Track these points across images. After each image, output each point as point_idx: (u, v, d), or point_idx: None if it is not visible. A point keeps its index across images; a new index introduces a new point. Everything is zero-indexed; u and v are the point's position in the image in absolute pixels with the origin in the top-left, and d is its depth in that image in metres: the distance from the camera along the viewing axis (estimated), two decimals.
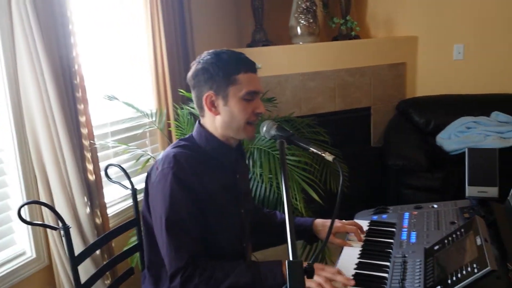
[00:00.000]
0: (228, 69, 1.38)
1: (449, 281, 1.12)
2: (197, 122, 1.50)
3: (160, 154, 1.46)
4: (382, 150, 3.48)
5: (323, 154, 1.35)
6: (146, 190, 1.46)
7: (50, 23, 1.83)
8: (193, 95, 1.46)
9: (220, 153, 1.47)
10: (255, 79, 1.43)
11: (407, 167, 3.07)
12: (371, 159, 3.61)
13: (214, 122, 1.44)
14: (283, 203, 1.07)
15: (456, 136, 3.25)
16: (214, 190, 1.42)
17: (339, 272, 1.28)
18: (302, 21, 3.55)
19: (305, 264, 0.94)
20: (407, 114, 3.64)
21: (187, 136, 1.53)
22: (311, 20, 3.55)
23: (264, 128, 1.43)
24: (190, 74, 1.44)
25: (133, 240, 2.01)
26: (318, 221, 1.66)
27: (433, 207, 1.72)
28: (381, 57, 3.67)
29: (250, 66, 1.42)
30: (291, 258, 0.88)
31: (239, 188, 1.53)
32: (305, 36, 3.57)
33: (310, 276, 0.90)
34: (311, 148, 1.37)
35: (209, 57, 1.41)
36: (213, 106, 1.41)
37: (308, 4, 3.54)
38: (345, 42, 3.63)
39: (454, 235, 1.33)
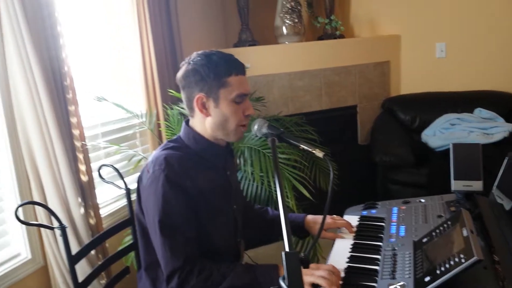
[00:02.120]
0: (218, 71, 1.40)
1: (438, 271, 1.17)
2: (183, 123, 1.52)
3: (150, 157, 1.48)
4: (369, 147, 3.54)
5: (313, 151, 1.39)
6: (138, 193, 1.48)
7: (39, 25, 1.84)
8: (183, 95, 1.47)
9: (209, 153, 1.49)
10: (244, 81, 1.45)
11: (394, 164, 3.13)
12: (358, 157, 3.67)
13: (204, 123, 1.46)
14: (277, 198, 1.10)
15: (440, 133, 3.32)
16: (207, 189, 1.44)
17: (334, 269, 1.30)
18: (287, 21, 3.59)
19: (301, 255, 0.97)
20: (392, 112, 3.71)
21: (174, 137, 1.54)
22: (296, 20, 3.59)
23: (256, 127, 1.46)
24: (180, 74, 1.45)
25: (128, 240, 2.03)
26: (310, 217, 1.70)
27: (420, 201, 1.77)
28: (366, 56, 3.73)
29: (240, 69, 1.44)
30: (287, 249, 0.91)
31: (230, 185, 1.56)
32: (291, 35, 3.61)
33: (306, 266, 0.94)
34: (301, 145, 1.41)
35: (199, 58, 1.42)
36: (204, 107, 1.43)
37: (292, 4, 3.58)
38: (330, 41, 3.68)
39: (441, 228, 1.38)
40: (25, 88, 1.81)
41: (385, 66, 3.84)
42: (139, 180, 1.48)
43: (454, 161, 1.68)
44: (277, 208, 2.29)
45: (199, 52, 1.45)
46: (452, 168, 1.67)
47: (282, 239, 0.98)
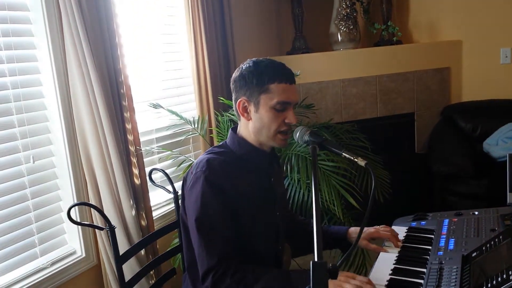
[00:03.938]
0: (262, 77, 1.42)
1: None
2: (230, 129, 1.56)
3: (195, 160, 1.53)
4: (426, 156, 3.41)
5: (356, 159, 1.36)
6: (183, 194, 1.53)
7: (98, 37, 1.94)
8: (233, 99, 1.53)
9: (253, 157, 1.51)
10: (289, 90, 1.45)
11: (452, 174, 3.01)
12: (415, 166, 3.55)
13: (248, 127, 1.49)
14: (312, 206, 1.09)
15: (504, 142, 3.14)
16: (248, 193, 1.46)
17: (369, 282, 1.27)
18: (342, 28, 3.55)
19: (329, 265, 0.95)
20: (452, 120, 3.56)
21: (221, 143, 1.59)
22: (352, 27, 3.55)
23: (297, 134, 1.46)
24: (231, 79, 1.51)
25: (176, 242, 2.09)
26: (352, 229, 1.68)
27: (473, 214, 1.69)
28: (425, 62, 3.61)
29: (285, 77, 1.44)
30: (315, 259, 0.90)
31: (274, 191, 1.57)
32: (346, 42, 3.57)
33: (334, 277, 0.92)
34: (343, 154, 1.38)
35: (248, 64, 1.46)
36: (245, 111, 1.46)
37: (348, 10, 3.54)
38: (386, 47, 3.60)
39: (492, 242, 1.31)
40: (84, 96, 1.92)
41: (445, 73, 3.69)
42: (184, 182, 1.53)
43: (511, 172, 1.59)
44: (331, 219, 2.26)
45: (253, 59, 1.49)
46: (508, 179, 1.59)
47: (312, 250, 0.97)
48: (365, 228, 1.61)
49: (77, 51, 1.88)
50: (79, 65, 1.89)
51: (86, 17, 1.87)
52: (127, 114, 2.11)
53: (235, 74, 1.49)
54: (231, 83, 1.51)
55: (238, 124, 1.55)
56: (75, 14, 1.83)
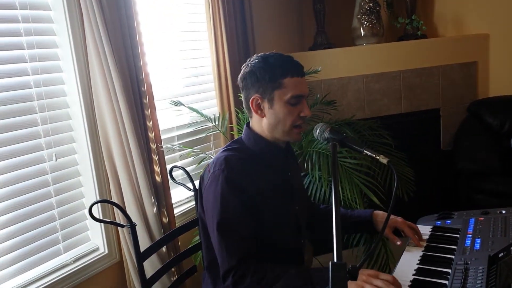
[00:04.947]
0: (274, 73, 1.41)
1: None
2: (245, 125, 1.55)
3: (213, 158, 1.52)
4: (452, 153, 3.33)
5: (377, 157, 1.34)
6: (200, 192, 1.52)
7: (118, 35, 1.95)
8: (242, 97, 1.51)
9: (269, 153, 1.50)
10: (301, 83, 1.44)
11: (478, 171, 2.93)
12: (441, 163, 3.47)
13: (261, 124, 1.48)
14: (333, 204, 1.07)
15: None
16: (267, 189, 1.45)
17: (394, 282, 1.23)
18: (365, 22, 3.49)
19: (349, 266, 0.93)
20: (479, 116, 3.45)
21: (236, 139, 1.58)
22: (375, 21, 3.49)
23: (318, 131, 1.44)
24: (239, 76, 1.49)
25: (197, 239, 2.09)
26: (378, 212, 1.65)
27: (501, 212, 1.64)
28: (450, 56, 3.51)
29: (296, 70, 1.43)
30: (335, 260, 0.88)
31: (292, 185, 1.56)
32: (369, 37, 3.51)
33: (354, 278, 0.90)
34: (364, 151, 1.36)
35: (257, 60, 1.45)
36: (259, 108, 1.45)
37: (371, 4, 3.48)
38: (410, 42, 3.52)
39: None
40: (105, 95, 1.94)
41: (471, 67, 3.59)
42: (201, 180, 1.52)
43: None
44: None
45: (258, 54, 1.48)
46: None
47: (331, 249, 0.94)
48: (392, 216, 1.57)
49: (98, 50, 1.89)
50: (101, 63, 1.91)
51: (107, 16, 1.88)
52: (148, 112, 2.12)
53: (244, 71, 1.47)
54: (239, 81, 1.49)
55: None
56: (96, 13, 1.85)
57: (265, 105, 1.44)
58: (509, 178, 2.87)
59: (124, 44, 1.99)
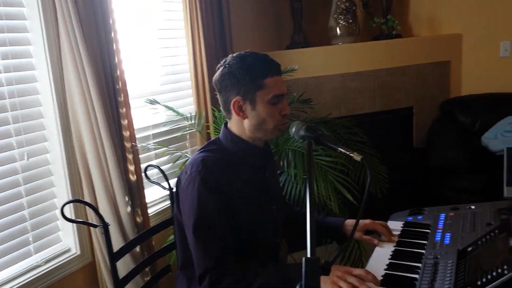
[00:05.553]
0: (254, 73, 1.40)
1: (479, 283, 1.10)
2: (223, 125, 1.53)
3: (189, 159, 1.51)
4: (424, 151, 3.40)
5: (351, 154, 1.35)
6: (177, 193, 1.51)
7: (93, 32, 1.92)
8: (220, 98, 1.49)
9: (246, 153, 1.49)
10: (280, 81, 1.44)
11: (448, 168, 2.99)
12: (413, 161, 3.53)
13: (242, 125, 1.47)
14: (307, 201, 1.08)
15: (502, 136, 3.12)
16: (244, 190, 1.45)
17: (367, 276, 1.25)
18: (341, 22, 3.53)
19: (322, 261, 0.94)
20: (451, 114, 3.53)
21: (213, 139, 1.57)
22: (351, 20, 3.53)
23: (293, 129, 1.45)
24: (216, 78, 1.46)
25: (171, 238, 2.08)
26: (349, 221, 1.67)
27: (470, 208, 1.68)
28: (424, 56, 3.58)
29: (275, 69, 1.43)
30: (308, 255, 0.89)
31: (269, 186, 1.56)
32: (345, 36, 3.54)
33: (326, 273, 0.91)
34: (339, 148, 1.38)
35: (234, 61, 1.42)
36: (241, 111, 1.44)
37: (347, 4, 3.51)
38: (385, 41, 3.57)
39: (488, 237, 1.31)
40: (79, 92, 1.90)
41: (445, 67, 3.66)
42: (178, 181, 1.51)
43: (508, 166, 1.58)
44: (328, 214, 2.26)
45: (234, 54, 1.46)
46: (505, 173, 1.57)
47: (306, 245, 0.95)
48: (361, 220, 1.60)
49: (72, 47, 1.86)
50: (74, 61, 1.87)
51: (81, 12, 1.85)
52: (122, 110, 2.10)
53: (222, 72, 1.44)
54: (217, 82, 1.46)
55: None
56: (70, 10, 1.82)
57: (247, 107, 1.43)
58: (479, 175, 2.94)
59: (99, 41, 1.96)
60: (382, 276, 1.31)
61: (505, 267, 1.07)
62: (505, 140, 3.06)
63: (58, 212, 1.96)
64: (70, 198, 1.95)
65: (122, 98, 2.10)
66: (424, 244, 1.47)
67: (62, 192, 1.98)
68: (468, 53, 3.69)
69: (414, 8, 3.86)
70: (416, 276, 1.27)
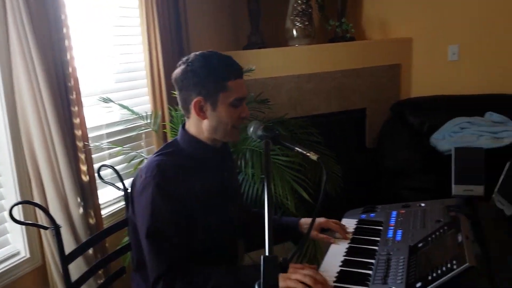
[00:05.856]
0: (218, 75, 1.38)
1: (430, 278, 1.14)
2: (181, 126, 1.51)
3: (144, 162, 1.48)
4: (376, 151, 3.49)
5: (308, 154, 1.37)
6: (132, 196, 1.48)
7: (44, 27, 1.85)
8: (179, 97, 1.47)
9: (204, 155, 1.48)
10: (242, 84, 1.44)
11: (400, 168, 3.09)
12: (366, 160, 3.63)
13: (200, 126, 1.45)
14: (265, 200, 1.08)
15: (450, 136, 3.26)
16: (201, 193, 1.44)
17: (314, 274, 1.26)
18: (297, 24, 3.57)
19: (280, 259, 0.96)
20: (402, 115, 3.65)
21: (171, 140, 1.55)
22: (307, 23, 3.58)
23: (251, 129, 1.45)
24: (177, 75, 1.43)
25: (126, 240, 2.03)
26: (304, 220, 1.68)
27: (420, 205, 1.74)
28: (377, 58, 3.69)
29: (238, 72, 1.43)
30: (267, 254, 0.90)
31: (227, 187, 1.56)
32: (301, 38, 3.59)
33: (284, 270, 0.92)
34: (296, 148, 1.39)
35: (197, 60, 1.40)
36: (201, 111, 1.42)
37: (304, 6, 3.56)
38: (339, 44, 3.65)
39: (437, 233, 1.36)
40: (28, 88, 1.83)
41: (396, 69, 3.79)
42: (133, 185, 1.48)
43: (456, 165, 1.64)
44: (285, 213, 2.28)
45: (197, 53, 1.43)
46: (453, 172, 1.64)
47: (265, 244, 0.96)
48: (316, 219, 1.63)
49: (22, 43, 1.79)
50: (24, 57, 1.81)
51: (32, 6, 1.78)
52: (74, 109, 2.03)
53: (183, 70, 1.40)
54: (177, 80, 1.43)
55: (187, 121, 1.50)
56: (20, 4, 1.75)
57: (208, 108, 1.41)
58: (430, 175, 3.04)
59: (51, 37, 1.90)
60: (337, 272, 1.34)
61: (454, 262, 1.12)
62: (452, 140, 3.20)
63: (6, 214, 1.88)
64: (19, 199, 1.87)
65: (74, 96, 2.03)
66: (377, 241, 1.51)
67: (10, 193, 1.90)
68: (418, 56, 3.82)
69: (367, 11, 3.96)
70: (370, 272, 1.31)
